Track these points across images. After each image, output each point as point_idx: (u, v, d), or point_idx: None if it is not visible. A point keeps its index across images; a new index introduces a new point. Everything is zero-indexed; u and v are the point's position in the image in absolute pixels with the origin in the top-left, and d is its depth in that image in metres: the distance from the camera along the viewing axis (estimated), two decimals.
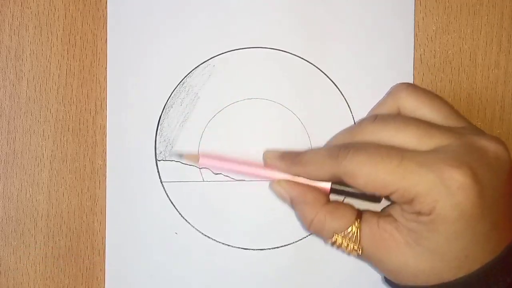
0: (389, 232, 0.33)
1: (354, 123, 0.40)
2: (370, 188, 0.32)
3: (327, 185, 0.36)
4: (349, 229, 0.34)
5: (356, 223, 0.34)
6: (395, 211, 0.33)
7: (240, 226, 0.40)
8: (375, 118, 0.34)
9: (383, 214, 0.34)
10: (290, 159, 0.36)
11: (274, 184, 0.36)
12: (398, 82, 0.40)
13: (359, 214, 0.35)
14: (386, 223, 0.33)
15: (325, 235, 0.35)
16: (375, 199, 0.35)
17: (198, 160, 0.38)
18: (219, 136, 0.41)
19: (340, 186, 0.35)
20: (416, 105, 0.34)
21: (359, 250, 0.34)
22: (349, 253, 0.34)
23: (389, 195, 0.32)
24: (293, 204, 0.36)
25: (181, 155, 0.39)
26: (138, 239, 0.40)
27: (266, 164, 0.37)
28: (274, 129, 0.41)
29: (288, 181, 0.36)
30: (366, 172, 0.31)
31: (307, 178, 0.35)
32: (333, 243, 0.34)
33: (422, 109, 0.34)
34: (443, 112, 0.34)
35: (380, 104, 0.37)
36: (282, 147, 0.40)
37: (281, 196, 0.36)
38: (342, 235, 0.34)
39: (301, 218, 0.36)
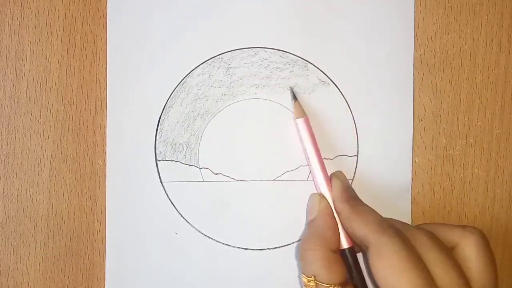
0: None
1: (354, 123, 0.40)
2: (383, 275, 0.32)
3: (345, 246, 0.36)
4: (328, 287, 0.34)
5: None
6: None
7: (240, 226, 0.40)
8: (434, 238, 0.33)
9: None
10: (349, 196, 0.36)
11: (315, 195, 0.37)
12: (398, 82, 0.40)
13: (344, 284, 0.34)
14: None
15: (306, 270, 0.35)
16: None
17: (300, 115, 0.38)
18: (219, 136, 0.41)
19: (351, 256, 0.36)
20: (475, 258, 0.34)
21: None
22: None
23: None
24: (312, 223, 0.36)
25: (295, 99, 0.39)
26: (138, 239, 0.40)
27: (331, 180, 0.37)
28: (274, 129, 0.41)
29: (328, 205, 0.37)
30: (394, 268, 0.31)
31: (345, 223, 0.35)
32: (305, 282, 0.34)
33: (474, 264, 0.34)
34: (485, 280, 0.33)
35: (448, 227, 0.35)
36: (282, 147, 0.40)
37: (312, 207, 0.37)
38: (317, 284, 0.34)
39: (306, 237, 0.36)
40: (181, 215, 0.40)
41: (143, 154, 0.40)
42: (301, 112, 0.39)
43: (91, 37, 0.41)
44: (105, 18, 0.41)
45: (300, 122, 0.39)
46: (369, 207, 0.35)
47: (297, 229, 0.40)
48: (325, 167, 0.38)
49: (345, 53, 0.41)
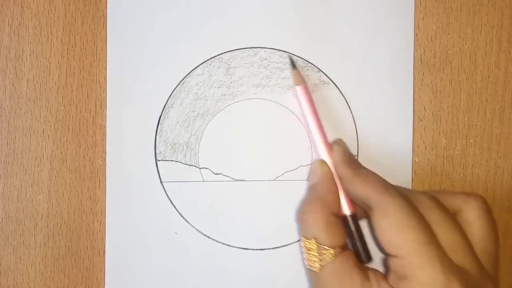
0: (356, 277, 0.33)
1: (354, 123, 0.40)
2: (387, 234, 0.32)
3: (346, 212, 0.36)
4: (328, 249, 0.34)
5: (336, 251, 0.34)
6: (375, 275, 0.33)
7: (240, 226, 0.40)
8: (437, 201, 0.34)
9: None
10: (350, 161, 0.36)
11: (318, 161, 0.37)
12: (398, 82, 0.40)
13: (344, 248, 0.35)
14: (363, 271, 0.33)
15: (307, 232, 0.35)
16: (368, 256, 0.36)
17: (299, 83, 0.38)
18: (219, 136, 0.41)
19: (355, 223, 0.36)
20: (478, 224, 0.34)
21: (317, 270, 0.34)
22: (306, 265, 0.35)
23: (391, 255, 0.32)
24: (313, 187, 0.37)
25: (294, 68, 0.39)
26: (138, 239, 0.40)
27: (332, 146, 0.37)
28: (274, 129, 0.41)
29: (329, 169, 0.37)
30: (398, 226, 0.31)
31: (348, 186, 0.35)
32: (305, 244, 0.35)
33: (477, 229, 0.34)
34: (487, 245, 0.34)
35: (451, 194, 0.36)
36: (282, 147, 0.40)
37: (314, 173, 0.37)
38: (317, 247, 0.34)
39: (307, 201, 0.36)
40: (181, 215, 0.40)
41: (143, 154, 0.40)
42: (300, 79, 0.39)
43: (91, 37, 0.41)
44: (105, 18, 0.41)
45: (299, 89, 0.39)
46: (371, 170, 0.35)
47: (297, 229, 0.40)
48: (325, 134, 0.38)
49: (345, 53, 0.41)
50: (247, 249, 0.40)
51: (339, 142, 0.38)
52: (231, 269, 0.40)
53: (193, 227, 0.40)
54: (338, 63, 0.41)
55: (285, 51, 0.41)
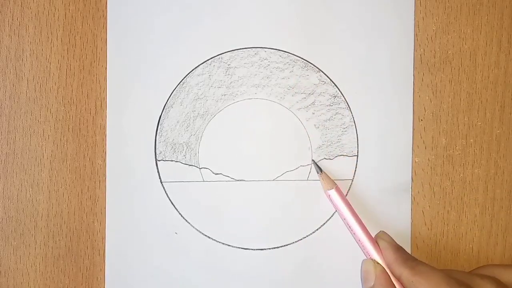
0: None
1: (354, 123, 0.40)
2: None
3: None
4: None
5: None
6: None
7: (240, 226, 0.40)
8: (500, 285, 0.34)
9: None
10: (404, 257, 0.35)
11: (369, 261, 0.36)
12: (398, 82, 0.40)
13: None
14: None
15: None
16: None
17: (330, 188, 0.38)
18: (219, 136, 0.41)
19: None
20: None
21: None
22: None
23: None
24: None
25: (320, 171, 0.39)
26: (138, 239, 0.40)
27: (378, 243, 0.37)
28: (274, 129, 0.41)
29: (384, 270, 0.36)
30: None
31: (406, 286, 0.34)
32: None
33: None
34: None
35: (507, 269, 0.36)
36: (282, 147, 0.40)
37: (367, 275, 0.36)
38: None
39: None
40: (181, 215, 0.40)
41: (143, 154, 0.40)
42: (331, 182, 0.39)
43: (91, 37, 0.41)
44: (105, 18, 0.41)
45: (333, 193, 0.38)
46: (428, 265, 0.35)
47: (297, 229, 0.40)
48: (368, 231, 0.37)
49: (345, 53, 0.41)
50: (247, 249, 0.40)
51: (384, 237, 0.37)
52: (231, 269, 0.40)
53: (193, 227, 0.40)
54: (338, 63, 0.41)
55: (285, 51, 0.41)
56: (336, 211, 0.39)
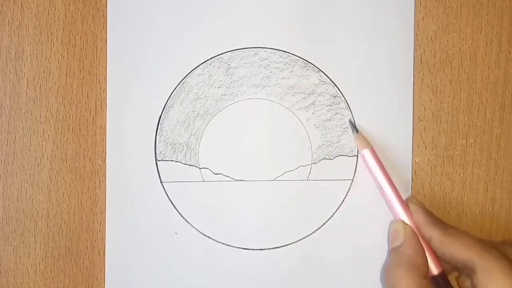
0: None
1: (354, 123, 0.40)
2: None
3: (435, 271, 0.35)
4: None
5: None
6: None
7: (240, 226, 0.40)
8: None
9: None
10: (434, 220, 0.36)
11: (398, 222, 0.36)
12: (398, 82, 0.40)
13: None
14: None
15: None
16: None
17: (365, 148, 0.38)
18: (219, 136, 0.41)
19: (444, 281, 0.35)
20: None
21: None
22: None
23: None
24: (398, 250, 0.35)
25: (356, 131, 0.39)
26: (138, 239, 0.40)
27: (409, 205, 0.37)
28: (274, 129, 0.41)
29: (413, 230, 0.36)
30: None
31: (440, 249, 0.35)
32: None
33: None
34: None
35: None
36: (282, 147, 0.40)
37: (395, 235, 0.36)
38: None
39: (395, 265, 0.35)
40: (181, 215, 0.40)
41: (143, 154, 0.40)
42: (365, 142, 0.39)
43: (91, 37, 0.41)
44: (105, 18, 0.41)
45: (367, 152, 0.38)
46: (460, 229, 0.35)
47: (297, 229, 0.40)
48: (399, 194, 0.37)
49: (345, 53, 0.41)
50: (247, 249, 0.40)
51: (415, 201, 0.37)
52: (231, 269, 0.40)
53: (193, 227, 0.40)
54: (338, 63, 0.41)
55: (285, 51, 0.41)
56: (340, 205, 0.39)
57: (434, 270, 0.35)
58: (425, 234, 0.36)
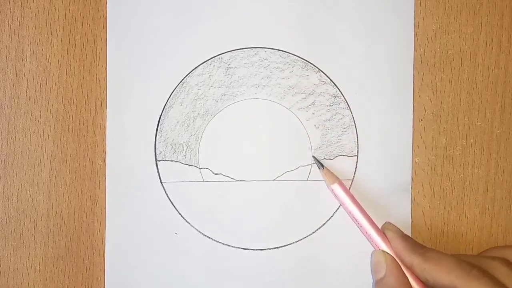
0: None
1: (354, 123, 0.40)
2: None
3: None
4: None
5: None
6: None
7: (240, 226, 0.40)
8: (510, 265, 0.34)
9: None
10: (413, 246, 0.35)
11: (379, 252, 0.36)
12: (398, 82, 0.40)
13: None
14: None
15: None
16: None
17: (333, 183, 0.38)
18: (219, 136, 0.41)
19: None
20: None
21: None
22: None
23: None
24: (381, 282, 0.35)
25: (322, 167, 0.39)
26: (138, 239, 0.40)
27: (386, 234, 0.37)
28: (274, 129, 0.41)
29: (394, 259, 0.36)
30: None
31: (422, 275, 0.34)
32: None
33: None
34: None
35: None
36: (282, 147, 0.40)
37: (377, 267, 0.36)
38: None
39: None
40: (181, 215, 0.40)
41: (143, 154, 0.40)
42: (333, 177, 0.39)
43: (91, 37, 0.41)
44: (105, 18, 0.41)
45: (336, 187, 0.38)
46: (438, 250, 0.35)
47: (297, 229, 0.40)
48: (374, 223, 0.37)
49: (345, 53, 0.41)
50: (247, 249, 0.40)
51: (391, 227, 0.37)
52: (231, 269, 0.40)
53: (193, 227, 0.40)
54: (338, 63, 0.41)
55: (285, 51, 0.41)
56: (340, 205, 0.39)
57: None
58: (406, 261, 0.35)
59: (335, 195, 0.38)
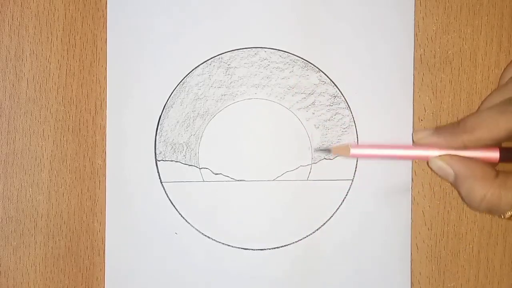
0: None
1: (354, 123, 0.40)
2: None
3: (495, 154, 0.32)
4: None
5: None
6: None
7: (240, 226, 0.40)
8: None
9: None
10: (448, 131, 0.32)
11: (435, 159, 0.33)
12: (398, 82, 0.40)
13: None
14: None
15: (502, 210, 0.31)
16: None
17: (349, 152, 0.35)
18: (219, 136, 0.41)
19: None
20: None
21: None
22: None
23: None
24: (458, 180, 0.32)
25: (329, 150, 0.36)
26: (138, 239, 0.40)
27: (419, 144, 0.33)
28: (274, 129, 0.41)
29: (452, 155, 0.32)
30: None
31: (476, 145, 0.32)
32: (510, 217, 0.31)
33: None
34: None
35: None
36: (282, 147, 0.40)
37: (443, 173, 0.33)
38: None
39: (469, 195, 0.32)
40: (181, 215, 0.40)
41: (143, 154, 0.40)
42: (344, 148, 0.33)
43: (91, 37, 0.41)
44: (105, 18, 0.41)
45: (355, 151, 0.34)
46: (469, 116, 0.32)
47: (297, 229, 0.40)
48: (404, 145, 0.34)
49: (345, 53, 0.41)
50: (247, 249, 0.40)
51: (418, 135, 0.33)
52: (231, 269, 0.40)
53: (193, 227, 0.40)
54: (338, 63, 0.41)
55: (285, 51, 0.41)
56: (340, 205, 0.39)
57: (494, 155, 0.32)
58: (457, 147, 0.32)
59: (359, 155, 0.36)
